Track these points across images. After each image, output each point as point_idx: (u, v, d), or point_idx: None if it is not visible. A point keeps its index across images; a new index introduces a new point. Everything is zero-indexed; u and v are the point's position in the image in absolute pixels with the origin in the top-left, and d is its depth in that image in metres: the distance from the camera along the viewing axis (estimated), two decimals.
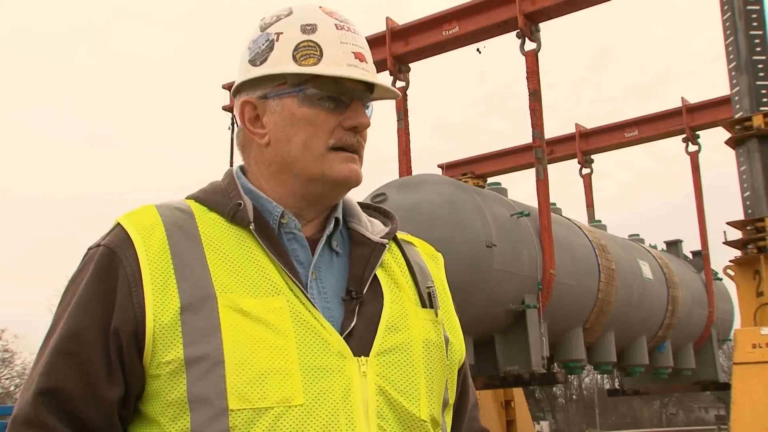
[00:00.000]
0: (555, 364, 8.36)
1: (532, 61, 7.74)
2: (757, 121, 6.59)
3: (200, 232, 1.24)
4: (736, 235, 6.75)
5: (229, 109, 9.86)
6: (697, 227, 11.10)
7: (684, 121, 11.12)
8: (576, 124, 12.13)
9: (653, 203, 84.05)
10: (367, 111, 1.33)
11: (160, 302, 1.15)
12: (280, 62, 1.28)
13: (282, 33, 1.29)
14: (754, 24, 6.81)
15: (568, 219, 8.93)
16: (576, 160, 12.16)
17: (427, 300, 1.34)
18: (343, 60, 1.27)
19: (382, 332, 1.23)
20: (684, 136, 11.18)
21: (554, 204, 8.43)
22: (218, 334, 1.13)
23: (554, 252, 7.32)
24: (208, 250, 1.21)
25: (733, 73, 6.85)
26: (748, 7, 6.82)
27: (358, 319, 1.23)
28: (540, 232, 7.38)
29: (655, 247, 11.35)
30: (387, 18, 8.72)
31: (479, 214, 6.77)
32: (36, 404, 1.13)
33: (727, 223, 6.84)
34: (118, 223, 1.25)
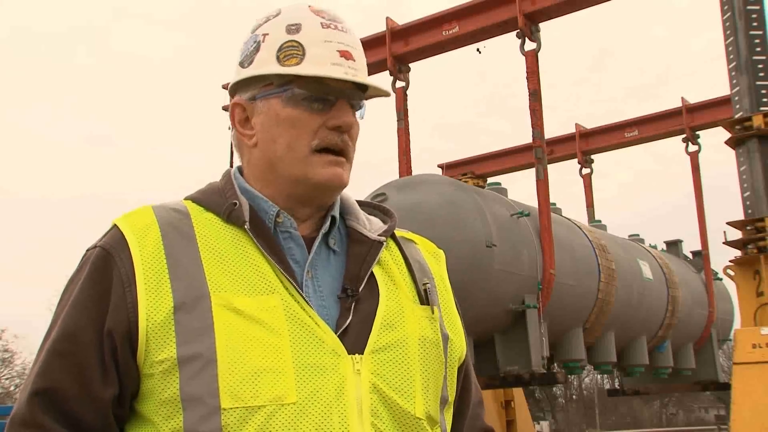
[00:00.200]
0: (555, 364, 8.35)
1: (532, 61, 7.74)
2: (757, 121, 6.58)
3: (196, 232, 1.24)
4: (736, 235, 6.75)
5: (228, 109, 9.82)
6: (697, 227, 11.09)
7: (684, 121, 11.11)
8: (576, 124, 12.12)
9: (653, 203, 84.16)
10: (358, 111, 1.32)
11: (153, 302, 1.16)
12: (265, 63, 1.28)
13: (268, 34, 1.29)
14: (754, 24, 6.81)
15: (568, 219, 8.93)
16: (576, 160, 12.15)
17: (424, 297, 1.33)
18: (327, 59, 1.26)
19: (377, 330, 1.23)
20: (684, 136, 11.16)
21: (554, 204, 8.43)
22: (211, 333, 1.14)
23: (554, 252, 7.32)
24: (203, 250, 1.22)
25: (733, 73, 6.85)
26: (748, 7, 6.81)
27: (354, 316, 1.23)
28: (540, 232, 7.37)
29: (655, 247, 11.35)
30: (387, 18, 8.72)
31: (479, 214, 6.76)
32: (31, 405, 1.14)
33: (727, 223, 6.83)
34: (115, 225, 1.26)
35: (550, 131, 12.38)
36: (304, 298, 1.20)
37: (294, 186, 1.29)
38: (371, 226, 1.37)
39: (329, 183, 1.28)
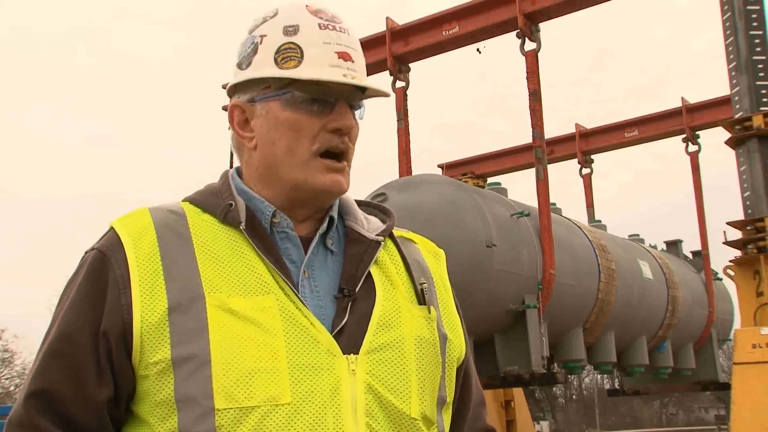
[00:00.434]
0: (555, 364, 8.35)
1: (532, 61, 7.74)
2: (757, 121, 6.58)
3: (191, 233, 1.24)
4: (736, 235, 6.75)
5: (227, 109, 9.83)
6: (697, 227, 11.09)
7: (684, 121, 11.11)
8: (576, 124, 12.12)
9: (653, 203, 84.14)
10: (357, 111, 1.32)
11: (148, 303, 1.16)
12: (263, 66, 1.27)
13: (266, 35, 1.29)
14: (754, 24, 6.81)
15: (568, 219, 8.93)
16: (576, 160, 12.15)
17: (421, 297, 1.33)
18: (325, 61, 1.25)
19: (372, 330, 1.22)
20: (684, 136, 11.16)
21: (554, 204, 8.42)
22: (206, 334, 1.14)
23: (554, 252, 7.32)
24: (198, 251, 1.22)
25: (733, 73, 6.85)
26: (748, 7, 6.81)
27: (350, 316, 1.22)
28: (540, 232, 7.37)
29: (655, 247, 11.35)
30: (387, 18, 8.71)
31: (479, 214, 6.76)
32: (28, 406, 1.15)
33: (727, 223, 6.83)
34: (112, 227, 1.26)
35: (550, 131, 12.39)
36: (299, 299, 1.20)
37: (293, 189, 1.28)
38: (369, 225, 1.36)
39: (329, 189, 1.28)
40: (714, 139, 41.68)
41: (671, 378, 10.91)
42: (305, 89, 1.25)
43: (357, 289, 1.26)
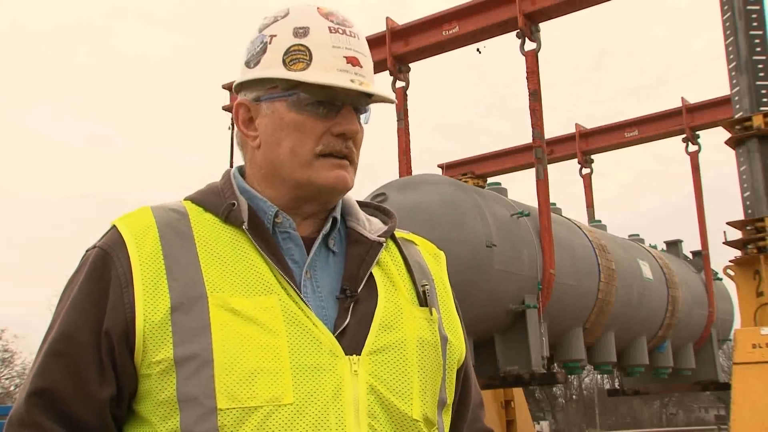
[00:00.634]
0: (555, 364, 8.35)
1: (532, 61, 7.74)
2: (757, 121, 6.58)
3: (194, 232, 1.24)
4: (736, 235, 6.75)
5: (229, 109, 9.86)
6: (697, 227, 11.09)
7: (684, 121, 11.11)
8: (576, 124, 12.12)
9: (653, 203, 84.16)
10: (363, 115, 1.32)
11: (151, 302, 1.16)
12: (271, 66, 1.27)
13: (275, 35, 1.28)
14: (754, 24, 6.81)
15: (568, 219, 8.93)
16: (576, 160, 12.15)
17: (423, 298, 1.33)
18: (333, 65, 1.25)
19: (375, 331, 1.22)
20: (684, 136, 11.16)
21: (554, 204, 8.43)
22: (208, 334, 1.14)
23: (554, 252, 7.32)
24: (200, 251, 1.22)
25: (733, 73, 6.85)
26: (748, 7, 6.81)
27: (352, 317, 1.22)
28: (540, 232, 7.37)
29: (655, 247, 11.35)
30: (387, 18, 8.72)
31: (479, 214, 6.76)
32: (29, 405, 1.14)
33: (727, 223, 6.83)
34: (114, 226, 1.26)
35: (550, 131, 12.39)
36: (302, 299, 1.20)
37: (296, 189, 1.28)
38: (371, 226, 1.36)
39: (334, 186, 1.27)
40: (714, 139, 41.73)
41: (671, 378, 10.91)
42: (312, 92, 1.25)
43: (359, 290, 1.26)
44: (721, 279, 11.26)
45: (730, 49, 6.90)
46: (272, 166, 1.29)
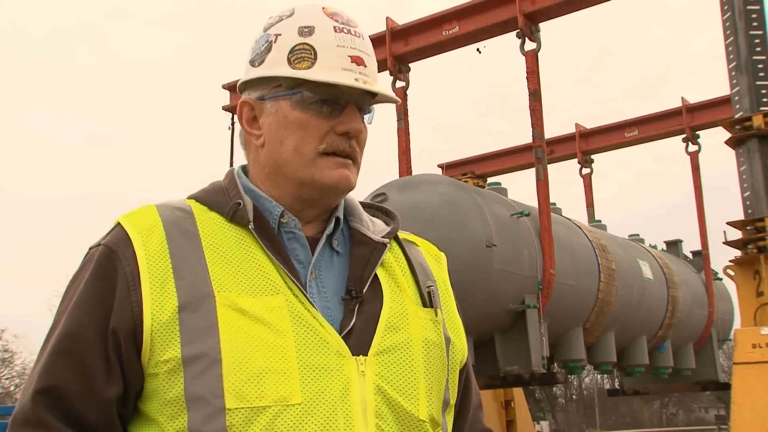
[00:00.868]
0: (555, 364, 8.35)
1: (532, 61, 7.74)
2: (757, 121, 6.59)
3: (199, 231, 1.24)
4: (736, 235, 6.76)
5: (229, 109, 9.86)
6: (697, 227, 11.10)
7: (684, 121, 11.12)
8: (576, 124, 12.13)
9: (653, 203, 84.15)
10: (367, 115, 1.32)
11: (158, 301, 1.16)
12: (275, 64, 1.27)
13: (280, 35, 1.29)
14: (754, 24, 6.81)
15: (568, 219, 8.94)
16: (576, 160, 12.17)
17: (427, 299, 1.33)
18: (338, 64, 1.25)
19: (381, 332, 1.23)
20: (684, 136, 11.18)
21: (554, 204, 8.43)
22: (216, 333, 1.14)
23: (554, 252, 7.32)
24: (207, 250, 1.21)
25: (733, 73, 6.85)
26: (748, 7, 6.82)
27: (358, 318, 1.23)
28: (540, 232, 7.38)
29: (655, 247, 11.35)
30: (387, 18, 8.72)
31: (479, 214, 6.77)
32: (35, 403, 1.14)
33: (727, 223, 6.84)
34: (119, 223, 1.25)
35: (550, 131, 12.41)
36: (308, 299, 1.20)
37: (301, 188, 1.28)
38: (374, 227, 1.37)
39: (337, 185, 1.27)
40: (714, 139, 41.76)
41: (671, 378, 10.92)
42: (316, 90, 1.26)
43: (364, 291, 1.26)
44: (721, 279, 11.27)
45: (730, 49, 6.91)
46: (276, 164, 1.29)
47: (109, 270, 1.19)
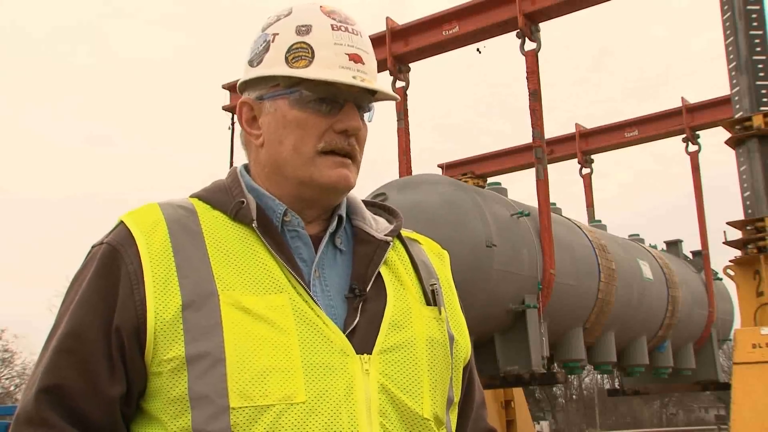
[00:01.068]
0: (555, 364, 8.35)
1: (532, 61, 7.75)
2: (757, 121, 6.59)
3: (203, 229, 1.24)
4: (736, 235, 6.76)
5: (229, 109, 9.86)
6: (697, 227, 11.11)
7: (684, 121, 11.13)
8: (576, 124, 12.14)
9: (653, 203, 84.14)
10: (367, 113, 1.32)
11: (162, 300, 1.15)
12: (273, 64, 1.27)
13: (278, 34, 1.29)
14: (754, 24, 6.81)
15: (568, 219, 8.94)
16: (576, 160, 12.17)
17: (431, 298, 1.33)
18: (335, 62, 1.25)
19: (385, 330, 1.23)
20: (684, 136, 11.18)
21: (554, 204, 8.43)
22: (220, 332, 1.13)
23: (554, 252, 7.32)
24: (210, 248, 1.21)
25: (733, 73, 6.85)
26: (748, 7, 6.82)
27: (361, 316, 1.22)
28: (540, 232, 7.38)
29: (655, 247, 11.36)
30: (387, 18, 8.72)
31: (479, 214, 6.77)
32: (38, 402, 1.13)
33: (727, 223, 6.84)
34: (121, 221, 1.25)
35: (550, 131, 12.41)
36: (312, 298, 1.20)
37: (300, 188, 1.28)
38: (377, 226, 1.37)
39: (336, 184, 1.27)
40: (714, 139, 41.77)
41: (671, 378, 10.92)
42: (314, 89, 1.25)
43: (367, 289, 1.26)
44: (721, 279, 11.27)
45: (730, 49, 6.91)
46: (276, 164, 1.29)
47: (113, 268, 1.19)
